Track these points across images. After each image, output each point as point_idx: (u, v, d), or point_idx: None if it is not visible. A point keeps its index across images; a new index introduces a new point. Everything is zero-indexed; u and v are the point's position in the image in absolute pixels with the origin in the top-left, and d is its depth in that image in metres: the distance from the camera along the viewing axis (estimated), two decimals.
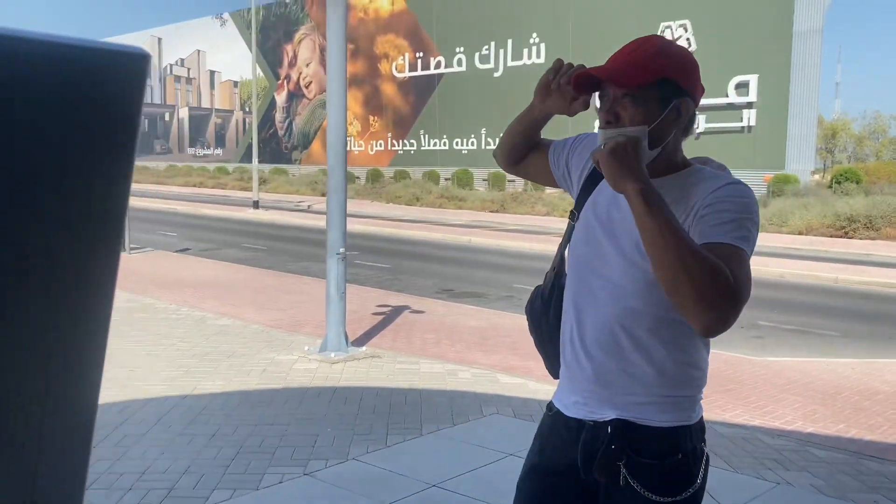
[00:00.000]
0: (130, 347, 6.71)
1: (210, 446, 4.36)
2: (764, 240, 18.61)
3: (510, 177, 34.67)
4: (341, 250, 6.23)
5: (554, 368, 1.81)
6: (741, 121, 28.81)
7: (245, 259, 13.89)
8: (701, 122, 29.39)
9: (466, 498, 3.73)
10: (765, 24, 27.85)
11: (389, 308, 8.98)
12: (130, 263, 12.38)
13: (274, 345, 6.89)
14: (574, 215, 1.74)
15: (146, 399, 5.21)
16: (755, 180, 27.87)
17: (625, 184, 1.40)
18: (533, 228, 21.76)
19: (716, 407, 5.41)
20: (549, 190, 32.63)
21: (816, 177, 34.60)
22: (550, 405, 1.78)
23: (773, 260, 14.87)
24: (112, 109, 0.60)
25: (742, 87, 28.63)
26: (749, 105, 28.60)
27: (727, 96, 28.85)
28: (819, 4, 27.45)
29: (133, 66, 0.60)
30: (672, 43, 1.61)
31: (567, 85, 1.60)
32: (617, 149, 1.43)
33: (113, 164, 0.61)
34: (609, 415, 1.59)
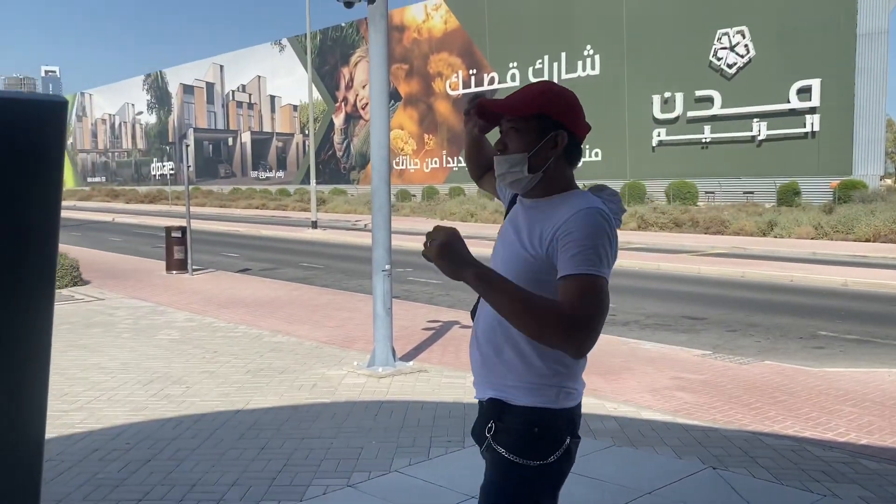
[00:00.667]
0: (188, 365, 6.96)
1: (258, 459, 4.50)
2: (828, 248, 18.08)
3: None
4: (387, 267, 6.35)
5: None
6: (804, 126, 28.05)
7: (302, 278, 14.20)
8: (762, 129, 28.78)
9: None
10: (827, 27, 27.12)
11: (439, 323, 9.06)
12: (193, 284, 12.81)
13: (325, 360, 7.04)
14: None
15: (200, 414, 5.40)
16: (821, 187, 27.10)
17: (460, 273, 1.70)
18: None
19: (765, 419, 5.31)
20: None
21: (887, 181, 33.39)
22: None
23: (837, 268, 14.43)
24: (33, 156, 0.63)
25: (804, 93, 27.90)
26: (812, 110, 27.83)
27: (789, 102, 28.19)
28: (884, 5, 26.60)
29: (51, 113, 0.62)
30: (557, 86, 1.93)
31: (471, 113, 2.03)
32: (443, 249, 1.70)
33: (38, 206, 0.66)
34: (489, 395, 1.94)
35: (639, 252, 18.61)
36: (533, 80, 34.76)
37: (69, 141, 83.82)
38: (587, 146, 34.33)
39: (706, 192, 30.46)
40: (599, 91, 33.96)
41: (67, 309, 10.36)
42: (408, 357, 7.14)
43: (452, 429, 5.04)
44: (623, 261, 16.50)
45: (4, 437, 0.72)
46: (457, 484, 4.08)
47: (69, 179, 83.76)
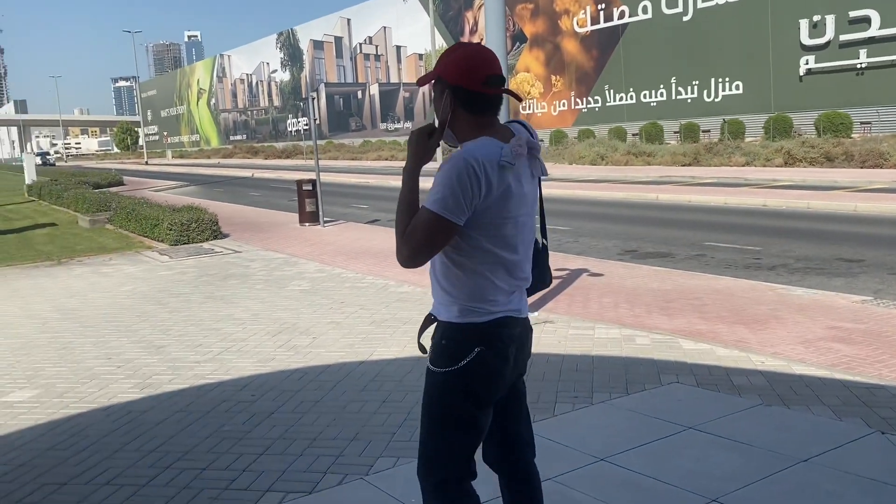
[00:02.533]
0: (315, 316, 7.01)
1: (379, 413, 4.40)
2: None
3: (704, 126, 32.56)
4: None
5: None
6: None
7: None
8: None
9: (637, 475, 3.45)
10: None
11: (567, 272, 8.70)
12: (324, 235, 13.05)
13: None
14: None
15: (325, 366, 5.38)
16: None
17: (415, 161, 2.16)
18: (728, 181, 20.29)
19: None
20: (748, 138, 30.27)
21: None
22: None
23: None
24: None
25: None
26: None
27: None
28: None
29: None
30: (455, 48, 2.16)
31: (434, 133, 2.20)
32: (422, 136, 2.16)
33: None
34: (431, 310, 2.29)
35: (786, 189, 17.25)
36: (666, 11, 32.56)
37: (212, 101, 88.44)
38: (726, 79, 32.22)
39: (861, 123, 27.78)
40: (740, 18, 31.50)
41: (207, 262, 10.81)
42: (533, 307, 6.86)
43: (580, 384, 4.74)
44: (768, 199, 15.33)
45: None
46: (584, 443, 3.80)
47: (213, 138, 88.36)
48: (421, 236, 2.04)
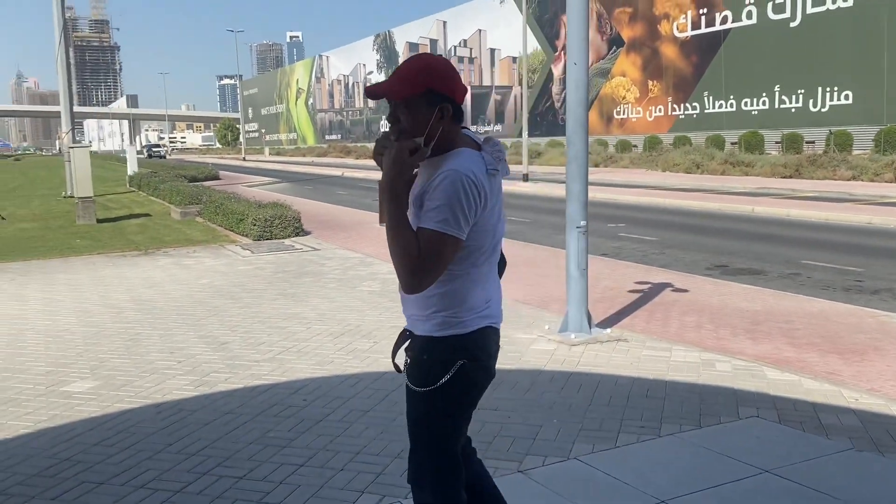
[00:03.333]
0: (381, 319, 6.86)
1: None
2: None
3: (809, 137, 30.91)
4: (582, 223, 5.72)
5: None
6: None
7: (509, 232, 13.76)
8: None
9: None
10: None
11: (649, 285, 8.26)
12: None
13: (516, 321, 6.60)
14: None
15: (380, 373, 5.20)
16: None
17: (397, 182, 1.98)
18: (832, 195, 19.09)
19: None
20: (856, 151, 28.49)
21: None
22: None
23: None
24: None
25: None
26: None
27: None
28: None
29: None
30: (434, 58, 2.07)
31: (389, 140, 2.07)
32: (388, 153, 2.00)
33: None
34: (406, 324, 2.26)
35: (895, 207, 16.06)
36: (772, 16, 31.19)
37: (310, 101, 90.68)
38: (835, 88, 30.48)
39: None
40: (852, 25, 29.74)
41: (285, 258, 10.88)
42: (607, 323, 6.49)
43: (649, 412, 4.37)
44: (875, 216, 14.30)
45: None
46: (645, 481, 3.46)
47: (310, 137, 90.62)
48: (434, 259, 1.96)
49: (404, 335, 2.26)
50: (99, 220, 16.08)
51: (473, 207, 1.98)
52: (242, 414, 4.47)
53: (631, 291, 7.96)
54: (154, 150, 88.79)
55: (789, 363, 5.30)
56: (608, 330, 6.17)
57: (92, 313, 7.43)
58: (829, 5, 30.76)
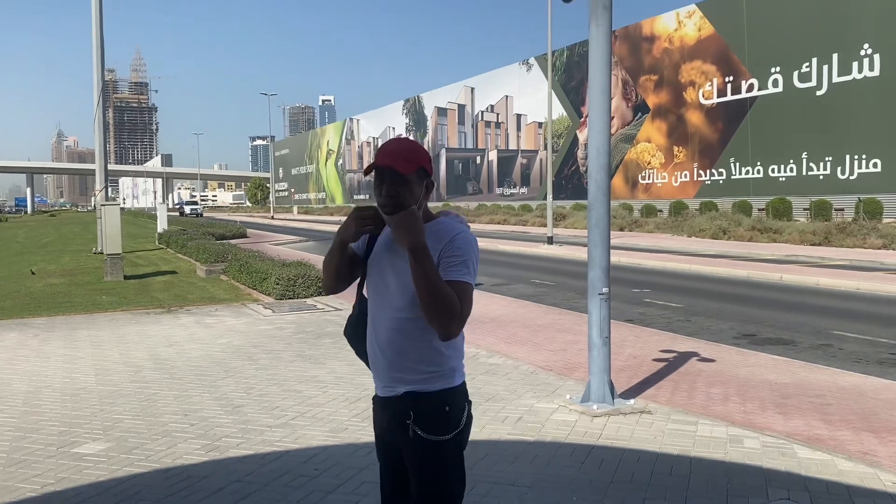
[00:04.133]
0: None
1: None
2: None
3: (838, 205, 30.63)
4: (604, 290, 5.61)
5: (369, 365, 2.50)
6: None
7: (532, 295, 13.74)
8: None
9: None
10: None
11: (674, 354, 8.06)
12: None
13: (537, 389, 6.44)
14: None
15: None
16: None
17: (416, 240, 2.14)
18: (862, 264, 18.75)
19: None
20: (887, 219, 28.12)
21: None
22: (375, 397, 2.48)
23: None
24: None
25: None
26: None
27: None
28: None
29: None
30: (407, 143, 2.34)
31: (368, 218, 2.29)
32: (401, 219, 2.17)
33: None
34: (402, 390, 2.32)
35: None
36: (798, 85, 31.28)
37: (339, 162, 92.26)
38: (863, 156, 30.33)
39: None
40: (879, 94, 29.77)
41: (307, 318, 10.84)
42: (631, 393, 6.31)
43: (672, 492, 4.17)
44: None
45: None
46: None
47: (338, 196, 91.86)
48: (469, 306, 2.20)
49: (407, 399, 2.30)
50: (126, 277, 16.25)
51: (478, 262, 2.32)
52: (252, 482, 4.35)
53: (656, 360, 7.77)
54: (192, 207, 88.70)
55: (821, 441, 5.07)
56: (632, 401, 5.98)
57: (110, 371, 7.40)
58: (856, 74, 30.87)
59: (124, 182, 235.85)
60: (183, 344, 8.90)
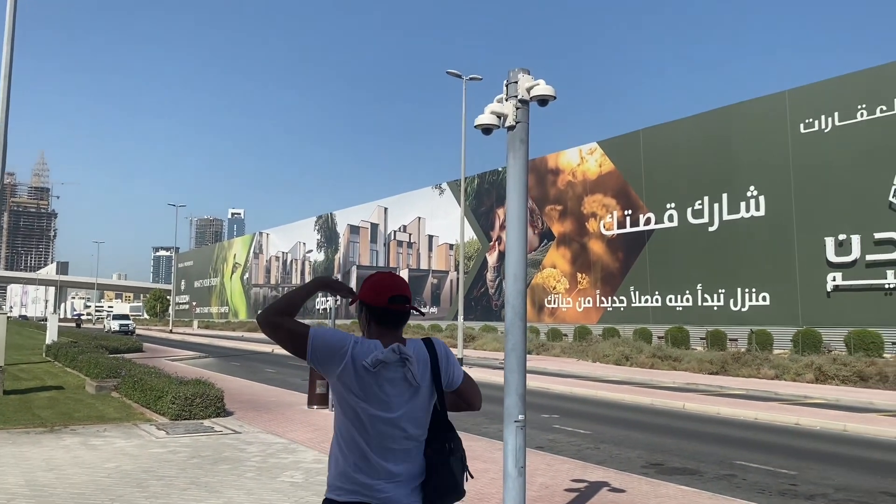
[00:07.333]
0: None
1: None
2: None
3: (731, 335, 32.05)
4: (520, 417, 5.54)
5: None
6: None
7: None
8: None
9: None
10: None
11: (585, 484, 7.97)
12: (330, 420, 12.43)
13: None
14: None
15: None
16: None
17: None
18: (758, 394, 19.47)
19: None
20: (777, 350, 29.57)
21: None
22: None
23: None
24: None
25: None
26: None
27: None
28: None
29: None
30: (370, 276, 2.75)
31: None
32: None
33: None
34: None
35: (819, 409, 16.39)
36: (692, 221, 33.33)
37: (245, 276, 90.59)
38: (753, 289, 32.16)
39: (894, 343, 27.12)
40: (765, 232, 32.05)
41: (203, 441, 10.22)
42: None
43: None
44: (801, 417, 14.52)
45: None
46: None
47: (242, 311, 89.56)
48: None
49: None
50: (6, 392, 15.03)
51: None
52: None
53: (567, 490, 7.65)
54: (121, 322, 64.00)
55: None
56: None
57: None
58: (744, 213, 33.20)
59: (12, 289, 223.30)
60: (65, 468, 8.17)
